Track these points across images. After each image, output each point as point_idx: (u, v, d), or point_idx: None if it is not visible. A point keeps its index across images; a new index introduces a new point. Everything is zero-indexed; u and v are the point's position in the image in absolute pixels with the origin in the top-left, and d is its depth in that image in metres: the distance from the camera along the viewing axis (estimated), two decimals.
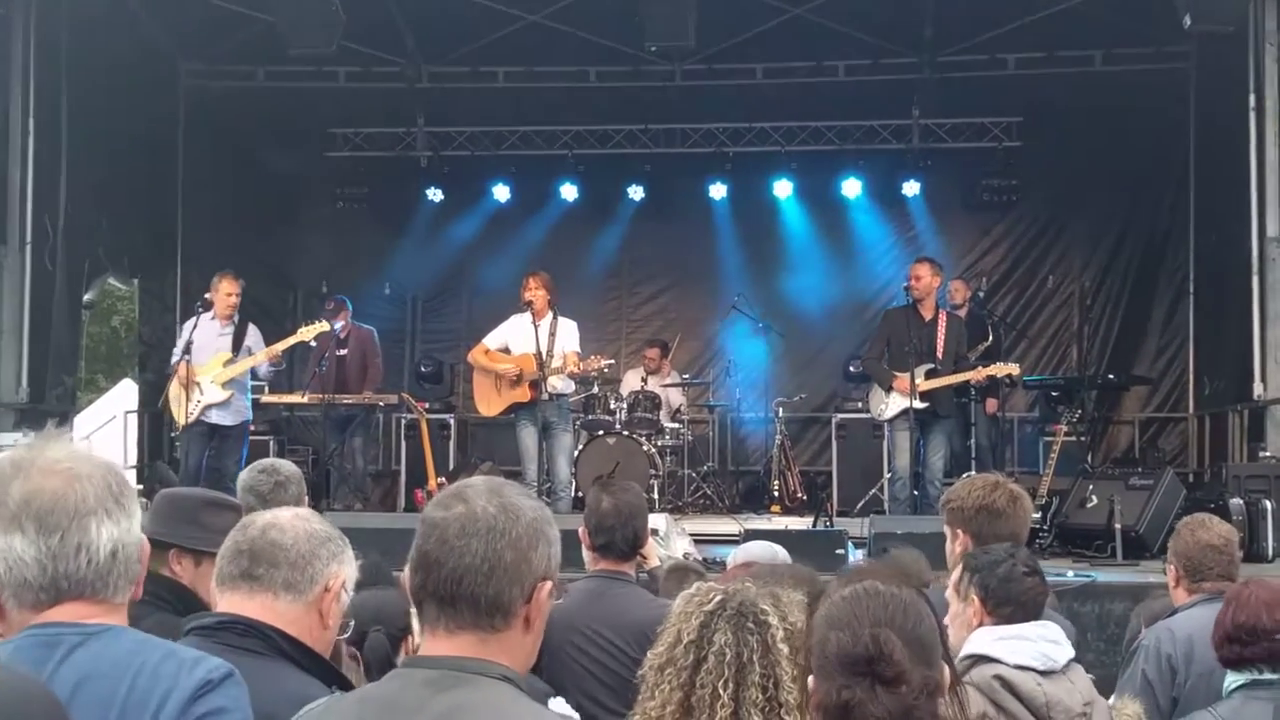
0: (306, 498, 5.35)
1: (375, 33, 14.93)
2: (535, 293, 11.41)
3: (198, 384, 11.64)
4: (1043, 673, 3.71)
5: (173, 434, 12.60)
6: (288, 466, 5.43)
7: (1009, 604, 4.00)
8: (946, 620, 4.15)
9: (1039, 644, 3.77)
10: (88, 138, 13.68)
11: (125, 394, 17.78)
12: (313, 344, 12.82)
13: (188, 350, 11.59)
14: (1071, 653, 3.83)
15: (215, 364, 11.69)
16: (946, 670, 2.49)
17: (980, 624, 3.96)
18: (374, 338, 14.01)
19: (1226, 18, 11.78)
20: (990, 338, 13.82)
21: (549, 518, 2.47)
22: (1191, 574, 5.16)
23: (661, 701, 2.79)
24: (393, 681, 2.41)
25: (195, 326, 11.70)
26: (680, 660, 2.80)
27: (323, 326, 12.32)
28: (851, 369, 15.39)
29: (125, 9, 14.30)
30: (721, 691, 2.74)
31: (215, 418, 11.73)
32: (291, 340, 12.20)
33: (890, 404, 11.57)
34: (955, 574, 4.23)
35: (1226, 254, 13.76)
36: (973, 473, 12.24)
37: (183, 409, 11.63)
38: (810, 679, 2.50)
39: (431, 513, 2.43)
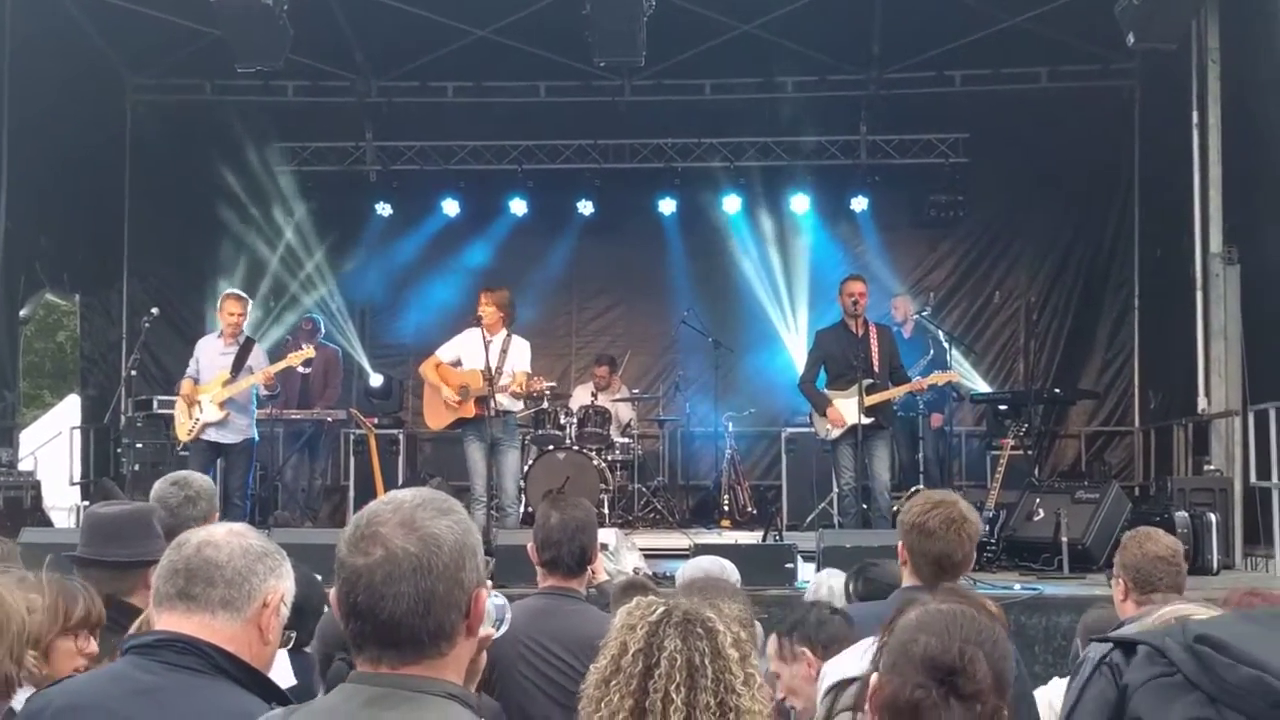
0: (217, 514, 5.32)
1: (324, 47, 14.90)
2: (485, 309, 11.33)
3: (199, 403, 11.72)
4: None
5: (117, 450, 12.59)
6: (199, 481, 5.40)
7: (835, 642, 4.26)
8: (780, 694, 4.37)
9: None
10: (30, 152, 13.59)
11: (70, 410, 17.61)
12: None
13: (137, 361, 11.65)
14: None
15: (215, 383, 11.77)
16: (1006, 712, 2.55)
17: (817, 672, 4.07)
18: (339, 357, 14.24)
19: (1170, 35, 11.89)
20: (931, 353, 13.88)
21: (468, 527, 2.40)
22: (1141, 586, 5.18)
23: (610, 711, 2.77)
24: (337, 696, 2.37)
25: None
26: (629, 669, 2.78)
27: (308, 353, 12.43)
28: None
29: (70, 23, 14.21)
30: (675, 696, 2.73)
31: (214, 436, 11.79)
32: (281, 365, 12.20)
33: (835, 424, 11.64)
34: (772, 647, 4.51)
35: (1171, 269, 13.90)
36: (921, 486, 12.36)
37: (184, 427, 11.82)
38: (874, 676, 2.57)
39: (350, 559, 2.34)
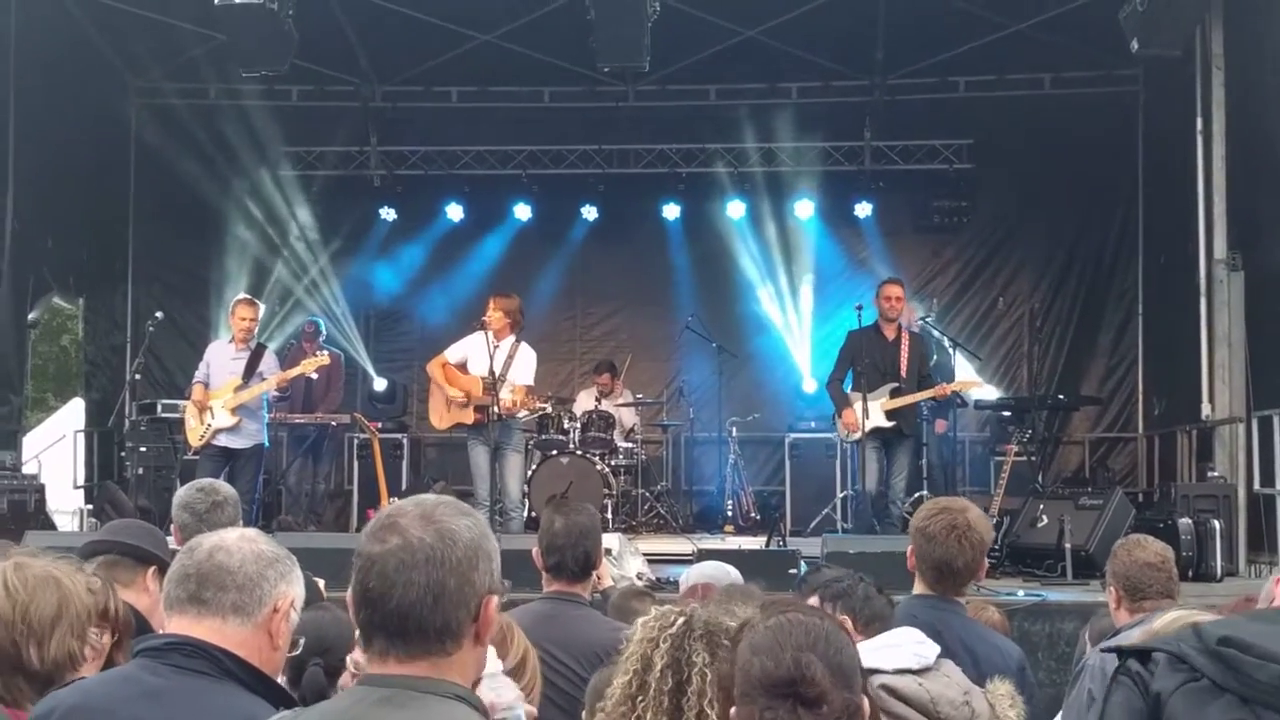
0: (242, 520, 5.35)
1: (328, 52, 14.90)
2: (492, 314, 11.39)
3: (210, 408, 11.72)
4: (918, 671, 3.78)
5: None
6: (226, 488, 5.46)
7: (877, 620, 4.28)
8: None
9: (909, 646, 3.85)
10: (35, 156, 13.60)
11: (74, 413, 17.62)
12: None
13: (141, 365, 11.63)
14: (937, 649, 3.90)
15: (227, 389, 11.78)
16: (866, 701, 2.56)
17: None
18: (340, 361, 14.20)
19: (1173, 42, 11.89)
20: (935, 359, 13.88)
21: (485, 532, 2.45)
22: (1132, 594, 5.20)
23: None
24: (346, 699, 2.41)
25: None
26: (658, 685, 2.77)
27: (324, 360, 12.40)
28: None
29: (75, 27, 14.23)
30: (709, 711, 2.73)
31: (225, 441, 11.79)
32: (296, 371, 12.23)
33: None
34: (814, 603, 4.41)
35: (1174, 275, 13.89)
36: (924, 492, 12.37)
37: (195, 432, 11.81)
38: (733, 710, 2.56)
39: (367, 547, 2.40)
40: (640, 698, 2.76)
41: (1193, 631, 2.46)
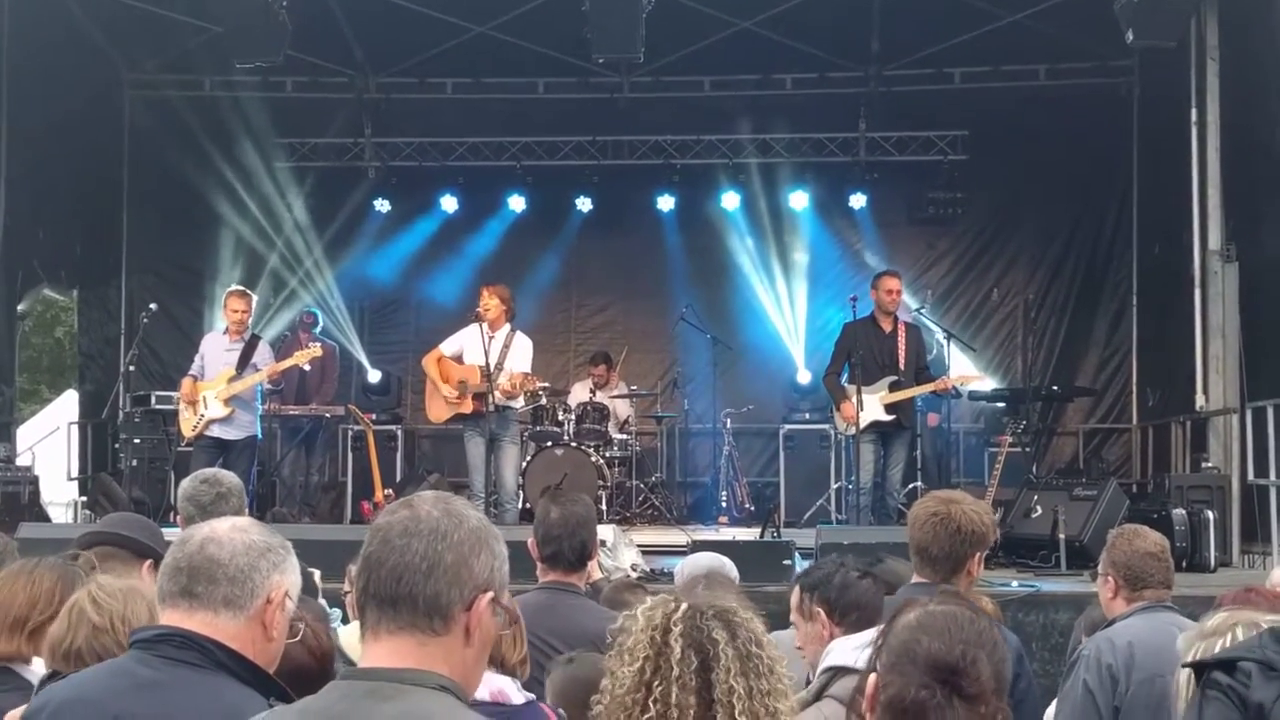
0: (247, 510, 5.36)
1: (322, 43, 14.91)
2: (488, 303, 11.42)
3: (203, 399, 11.74)
4: None
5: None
6: (230, 478, 5.44)
7: (854, 609, 4.22)
8: (797, 643, 4.29)
9: None
10: (28, 148, 13.58)
11: (69, 405, 17.61)
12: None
13: (135, 356, 11.65)
14: None
15: (220, 380, 11.81)
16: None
17: (832, 636, 4.06)
18: (335, 353, 14.20)
19: (1169, 33, 11.90)
20: (932, 351, 13.89)
21: (497, 533, 2.50)
22: (1132, 583, 5.19)
23: (668, 710, 2.74)
24: (332, 694, 2.41)
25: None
26: (681, 666, 2.75)
27: (316, 351, 12.44)
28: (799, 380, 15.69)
29: (69, 17, 14.19)
30: (736, 685, 2.73)
31: (218, 432, 11.83)
32: (289, 363, 12.30)
33: (861, 418, 11.63)
34: (794, 597, 4.38)
35: (1169, 266, 13.90)
36: (919, 484, 12.39)
37: (188, 423, 11.85)
38: (872, 676, 2.62)
39: (379, 519, 2.47)
40: (657, 682, 2.74)
41: (1272, 637, 2.46)
